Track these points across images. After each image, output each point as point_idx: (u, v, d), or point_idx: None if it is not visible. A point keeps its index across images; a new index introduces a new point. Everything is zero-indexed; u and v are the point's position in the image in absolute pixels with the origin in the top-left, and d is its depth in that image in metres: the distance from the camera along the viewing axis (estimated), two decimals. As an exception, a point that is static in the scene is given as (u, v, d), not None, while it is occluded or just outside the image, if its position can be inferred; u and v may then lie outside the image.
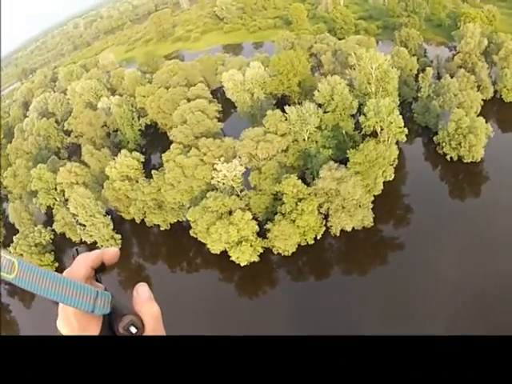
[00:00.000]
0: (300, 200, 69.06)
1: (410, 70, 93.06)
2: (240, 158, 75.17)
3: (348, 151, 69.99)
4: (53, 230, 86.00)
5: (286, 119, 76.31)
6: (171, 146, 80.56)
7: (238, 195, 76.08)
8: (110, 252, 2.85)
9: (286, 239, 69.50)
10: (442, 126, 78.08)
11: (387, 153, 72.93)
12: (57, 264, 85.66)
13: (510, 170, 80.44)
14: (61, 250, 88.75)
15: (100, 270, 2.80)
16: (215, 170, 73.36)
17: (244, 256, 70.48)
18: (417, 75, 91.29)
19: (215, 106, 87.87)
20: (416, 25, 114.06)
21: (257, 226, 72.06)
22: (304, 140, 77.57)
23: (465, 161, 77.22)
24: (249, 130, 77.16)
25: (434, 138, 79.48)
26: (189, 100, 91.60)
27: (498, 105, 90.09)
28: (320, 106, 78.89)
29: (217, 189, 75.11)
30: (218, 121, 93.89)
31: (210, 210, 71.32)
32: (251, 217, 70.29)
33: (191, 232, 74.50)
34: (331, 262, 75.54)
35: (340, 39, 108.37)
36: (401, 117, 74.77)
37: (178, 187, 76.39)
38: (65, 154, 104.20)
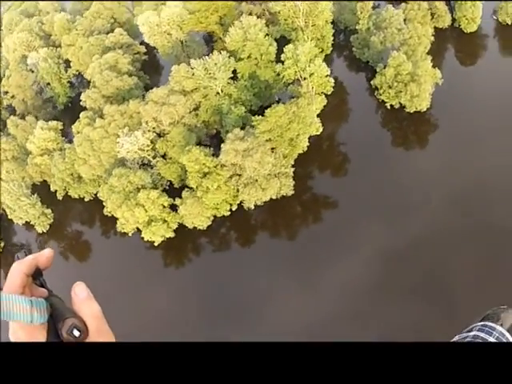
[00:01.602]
0: (205, 174, 56.87)
1: (352, -5, 73.22)
2: (147, 123, 62.20)
3: (253, 118, 55.52)
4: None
5: (194, 74, 61.44)
6: (81, 115, 67.82)
7: (150, 164, 64.30)
8: (43, 256, 2.68)
9: (195, 217, 58.60)
10: (379, 68, 61.24)
11: (309, 108, 58.07)
12: (2, 244, 78.55)
13: (467, 111, 64.44)
14: (5, 228, 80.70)
15: (38, 275, 2.65)
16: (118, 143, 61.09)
17: (156, 236, 60.57)
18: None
19: (129, 56, 72.37)
20: None
21: (170, 200, 61.05)
22: (218, 94, 62.93)
23: (407, 110, 61.43)
24: (153, 90, 62.99)
25: (372, 82, 62.97)
26: (109, 49, 76.57)
27: (457, 34, 70.78)
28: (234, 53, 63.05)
29: (127, 160, 63.42)
30: (142, 68, 79.03)
31: (117, 189, 60.43)
32: (157, 195, 59.00)
33: (105, 211, 64.32)
34: (255, 229, 64.56)
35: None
36: (325, 66, 58.24)
37: (89, 161, 65.08)
38: (6, 115, 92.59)
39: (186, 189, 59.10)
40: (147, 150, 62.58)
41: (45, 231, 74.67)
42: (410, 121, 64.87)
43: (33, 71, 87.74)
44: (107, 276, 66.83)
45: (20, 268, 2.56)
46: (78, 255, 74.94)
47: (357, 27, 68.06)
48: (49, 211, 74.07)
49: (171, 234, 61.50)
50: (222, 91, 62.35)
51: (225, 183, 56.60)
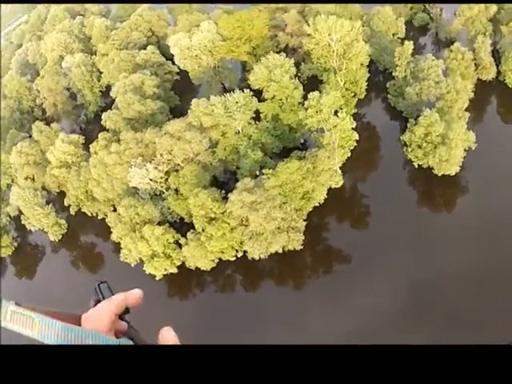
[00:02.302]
0: (212, 220, 54.43)
1: (394, 35, 68.10)
2: (161, 155, 60.05)
3: (263, 171, 52.18)
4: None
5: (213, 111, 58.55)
6: (99, 136, 66.32)
7: (162, 195, 62.28)
8: (133, 296, 2.69)
9: (198, 259, 56.37)
10: (410, 124, 56.58)
11: (328, 161, 54.34)
12: (16, 243, 79.06)
13: (503, 175, 59.03)
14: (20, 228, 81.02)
15: (124, 313, 2.69)
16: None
17: (158, 271, 58.72)
18: (403, 40, 66.04)
19: (156, 78, 70.01)
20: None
21: (177, 236, 59.04)
22: (238, 133, 59.92)
23: (435, 172, 56.76)
24: (171, 122, 60.55)
25: (401, 137, 58.32)
26: (139, 67, 74.78)
27: (501, 88, 64.70)
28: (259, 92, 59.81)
29: (139, 189, 61.72)
30: (174, 87, 77.02)
31: (123, 219, 58.90)
32: (163, 231, 56.88)
33: (112, 237, 62.95)
34: (262, 275, 61.74)
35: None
36: (350, 119, 53.83)
37: (102, 184, 63.77)
38: (38, 113, 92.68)
39: (192, 230, 56.84)
40: (160, 182, 60.64)
41: (57, 240, 74.62)
42: (439, 181, 60.05)
43: (67, 74, 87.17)
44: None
45: (110, 308, 2.59)
46: (88, 267, 74.40)
47: (393, 74, 63.25)
48: (63, 222, 73.52)
49: (174, 270, 59.60)
50: (241, 130, 59.42)
51: (230, 231, 53.98)
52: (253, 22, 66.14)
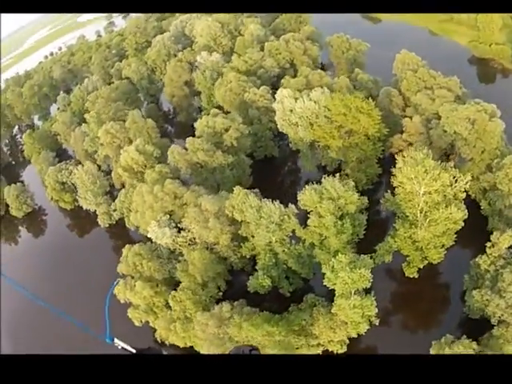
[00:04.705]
0: (186, 318, 53.62)
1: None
2: (190, 223, 59.22)
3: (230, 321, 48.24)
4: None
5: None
6: (156, 167, 67.31)
7: (180, 255, 62.21)
8: None
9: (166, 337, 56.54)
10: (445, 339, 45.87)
11: (326, 333, 48.33)
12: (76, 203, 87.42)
13: None
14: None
15: None
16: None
17: (137, 320, 59.92)
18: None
19: (243, 127, 67.98)
20: None
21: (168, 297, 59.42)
22: (269, 243, 55.47)
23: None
24: (210, 197, 58.39)
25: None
26: (245, 104, 73.27)
27: None
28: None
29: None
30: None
31: (130, 261, 60.89)
32: (153, 293, 57.86)
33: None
34: None
35: None
36: (371, 302, 46.06)
37: (136, 214, 66.02)
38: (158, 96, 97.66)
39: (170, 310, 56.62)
40: (180, 245, 60.57)
41: (103, 227, 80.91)
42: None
43: (197, 68, 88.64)
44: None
45: None
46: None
47: (476, 259, 51.46)
48: (114, 214, 78.80)
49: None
50: (270, 243, 55.22)
51: (196, 337, 52.64)
52: (359, 116, 58.40)
